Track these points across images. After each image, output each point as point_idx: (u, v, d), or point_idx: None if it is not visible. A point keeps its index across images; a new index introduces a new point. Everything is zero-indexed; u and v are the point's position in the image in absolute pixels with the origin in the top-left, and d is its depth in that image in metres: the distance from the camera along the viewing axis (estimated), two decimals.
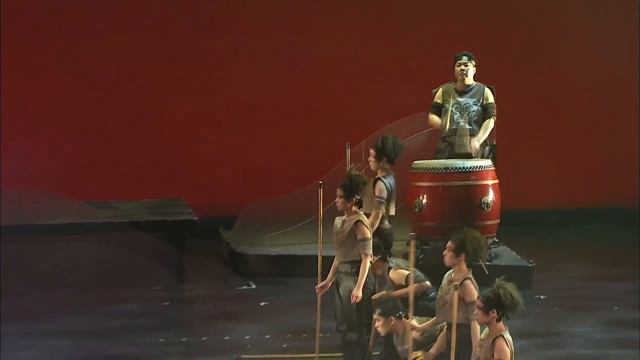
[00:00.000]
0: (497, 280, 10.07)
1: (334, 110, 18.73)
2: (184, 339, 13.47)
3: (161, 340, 13.41)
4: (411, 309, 11.47)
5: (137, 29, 19.01)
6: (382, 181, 13.27)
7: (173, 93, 18.84)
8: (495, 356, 9.76)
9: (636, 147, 19.14)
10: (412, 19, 19.18)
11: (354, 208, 12.01)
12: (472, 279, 11.09)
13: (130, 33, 19.00)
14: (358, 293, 11.80)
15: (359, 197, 12.15)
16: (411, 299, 11.62)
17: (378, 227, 13.44)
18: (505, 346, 9.79)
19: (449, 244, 11.25)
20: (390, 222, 13.47)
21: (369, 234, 12.03)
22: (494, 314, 9.77)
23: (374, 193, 13.26)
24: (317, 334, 12.38)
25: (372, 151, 13.40)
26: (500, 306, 9.81)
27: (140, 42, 18.98)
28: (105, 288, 15.29)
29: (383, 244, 13.16)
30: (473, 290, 10.81)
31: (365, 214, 12.39)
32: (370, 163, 13.37)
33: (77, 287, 15.21)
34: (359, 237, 12.00)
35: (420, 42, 18.88)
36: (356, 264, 11.95)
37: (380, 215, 13.09)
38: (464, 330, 10.68)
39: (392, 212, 13.40)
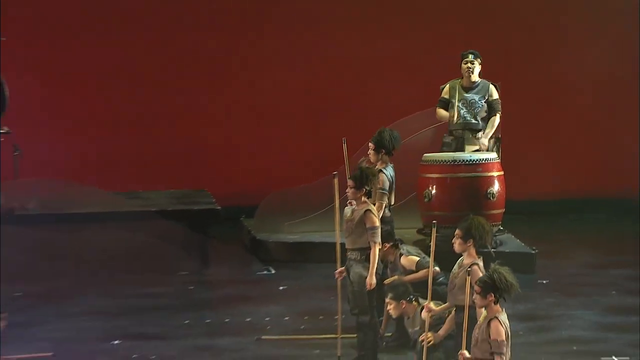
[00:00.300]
0: (492, 265, 10.25)
1: (348, 106, 18.48)
2: (207, 321, 13.61)
3: (186, 321, 13.56)
4: (429, 293, 11.38)
5: (159, 25, 18.69)
6: (384, 173, 13.19)
7: (198, 89, 18.62)
8: (490, 337, 9.90)
9: (636, 140, 18.88)
10: (416, 19, 18.87)
11: (363, 198, 12.09)
12: (480, 264, 11.23)
13: (153, 29, 18.70)
14: (372, 281, 11.88)
15: (368, 188, 12.18)
16: (430, 283, 11.53)
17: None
18: (500, 327, 9.91)
19: (457, 231, 11.41)
20: (390, 211, 13.41)
21: (377, 223, 12.12)
22: (491, 297, 9.90)
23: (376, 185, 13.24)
24: (339, 315, 12.30)
25: (370, 144, 13.33)
26: (496, 289, 9.94)
27: (164, 36, 18.69)
28: (135, 272, 15.29)
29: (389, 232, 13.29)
30: (480, 274, 10.94)
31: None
32: (369, 156, 13.31)
33: (109, 271, 15.25)
34: (368, 225, 12.05)
35: (424, 41, 18.55)
36: (365, 251, 12.02)
37: (384, 205, 13.06)
38: (472, 313, 10.64)
39: (392, 201, 13.41)
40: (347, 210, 12.26)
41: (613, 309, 14.22)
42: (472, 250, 11.37)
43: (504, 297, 10.02)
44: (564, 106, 19.10)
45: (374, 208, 12.24)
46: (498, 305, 10.06)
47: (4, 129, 16.27)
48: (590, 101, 19.12)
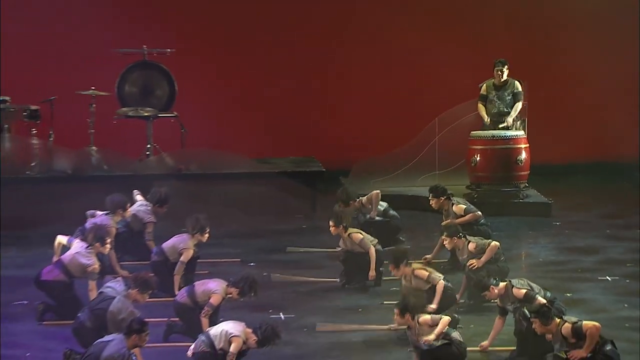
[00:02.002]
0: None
1: (422, 94, 18.08)
2: (315, 251, 13.57)
3: (302, 250, 13.67)
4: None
5: (287, 28, 18.43)
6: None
7: (311, 82, 18.41)
8: None
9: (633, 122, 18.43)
10: (469, 29, 18.35)
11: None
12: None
13: (282, 32, 18.41)
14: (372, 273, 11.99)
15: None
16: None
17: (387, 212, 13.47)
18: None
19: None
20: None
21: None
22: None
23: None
24: None
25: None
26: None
27: (293, 38, 18.41)
28: (266, 216, 15.28)
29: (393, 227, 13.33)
30: None
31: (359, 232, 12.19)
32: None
33: (248, 215, 15.20)
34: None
35: (474, 47, 17.95)
36: None
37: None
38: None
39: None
40: None
41: (613, 238, 14.30)
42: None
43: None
44: (574, 95, 18.66)
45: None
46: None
47: (174, 114, 16.57)
48: (593, 92, 18.55)
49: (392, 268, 10.83)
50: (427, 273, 10.75)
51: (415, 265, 10.91)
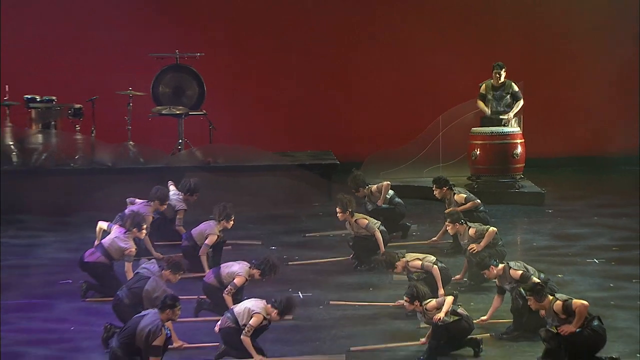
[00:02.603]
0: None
1: (427, 94, 17.79)
2: (331, 235, 13.53)
3: (317, 234, 13.65)
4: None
5: (303, 29, 18.13)
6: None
7: (327, 83, 18.14)
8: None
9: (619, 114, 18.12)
10: (478, 36, 18.05)
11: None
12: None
13: (300, 34, 18.15)
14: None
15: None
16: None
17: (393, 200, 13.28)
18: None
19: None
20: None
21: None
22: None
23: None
24: None
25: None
26: None
27: (309, 39, 18.13)
28: (286, 203, 15.31)
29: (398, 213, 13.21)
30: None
31: (365, 218, 12.14)
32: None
33: (270, 203, 15.21)
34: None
35: (476, 50, 17.73)
36: None
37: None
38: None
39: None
40: None
41: (598, 224, 14.21)
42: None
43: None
44: (566, 95, 18.35)
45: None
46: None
47: (203, 112, 16.56)
48: (584, 93, 18.30)
49: (391, 271, 10.82)
50: (420, 262, 10.75)
51: (408, 256, 10.84)
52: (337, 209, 12.18)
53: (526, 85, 16.15)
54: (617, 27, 18.31)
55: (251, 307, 9.41)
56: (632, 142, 18.15)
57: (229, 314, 9.49)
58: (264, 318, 9.42)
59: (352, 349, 9.63)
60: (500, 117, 15.66)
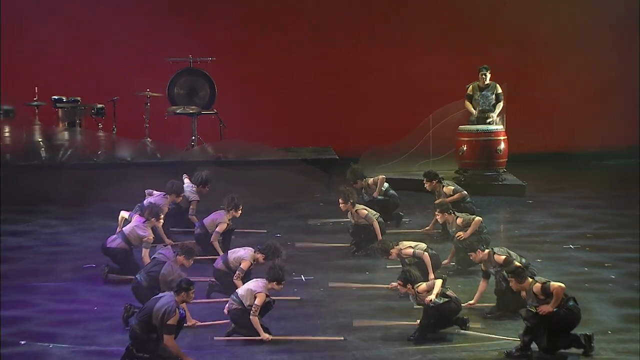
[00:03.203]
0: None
1: (419, 95, 17.57)
2: (331, 222, 13.40)
3: (319, 222, 13.46)
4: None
5: (309, 26, 18.02)
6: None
7: (328, 81, 17.97)
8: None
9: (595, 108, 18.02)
10: (466, 42, 17.89)
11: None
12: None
13: (307, 30, 18.03)
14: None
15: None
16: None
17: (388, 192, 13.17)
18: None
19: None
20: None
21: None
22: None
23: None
24: None
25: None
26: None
27: (316, 36, 18.02)
28: (290, 194, 15.23)
29: (392, 204, 13.08)
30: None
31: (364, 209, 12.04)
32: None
33: (275, 194, 15.10)
34: None
35: (463, 57, 17.51)
36: None
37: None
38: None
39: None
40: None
41: (574, 214, 14.20)
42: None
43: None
44: (546, 96, 18.20)
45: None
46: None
47: (214, 111, 16.55)
48: (562, 94, 18.15)
49: (386, 257, 10.81)
50: (411, 250, 10.74)
51: (401, 244, 10.81)
52: (339, 200, 12.13)
53: (509, 86, 16.09)
54: (590, 35, 18.24)
55: (252, 288, 9.43)
56: (604, 140, 18.02)
57: (234, 297, 9.50)
58: (266, 295, 9.39)
59: (355, 323, 9.64)
60: (486, 115, 15.62)
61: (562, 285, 9.05)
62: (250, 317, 9.26)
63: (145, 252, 10.95)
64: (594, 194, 15.55)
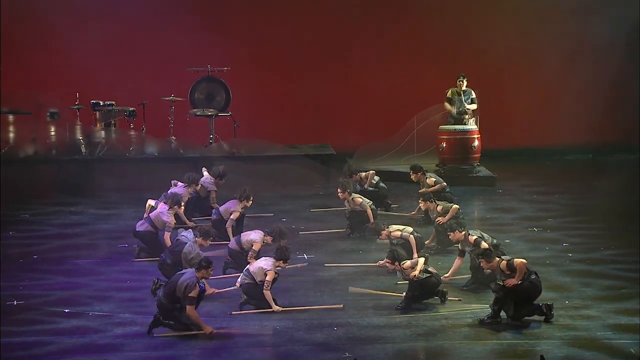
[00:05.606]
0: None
1: (405, 99, 17.14)
2: (333, 209, 13.23)
3: (319, 210, 13.39)
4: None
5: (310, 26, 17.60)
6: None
7: (328, 80, 17.59)
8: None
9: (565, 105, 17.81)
10: (446, 53, 17.49)
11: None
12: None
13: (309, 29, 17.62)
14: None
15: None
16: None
17: (378, 184, 13.00)
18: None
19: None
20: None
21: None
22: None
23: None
24: None
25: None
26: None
27: (318, 35, 17.60)
28: (295, 185, 15.10)
29: (382, 195, 12.85)
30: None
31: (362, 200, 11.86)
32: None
33: (281, 185, 14.89)
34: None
35: (442, 63, 17.24)
36: None
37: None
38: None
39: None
40: None
41: (536, 201, 14.04)
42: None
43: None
44: (515, 99, 17.81)
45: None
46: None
47: (229, 113, 16.40)
48: (529, 97, 17.84)
49: (377, 237, 10.84)
50: (399, 233, 10.73)
51: (390, 228, 10.82)
52: (338, 189, 12.08)
53: (482, 92, 16.01)
54: (547, 48, 17.98)
55: (263, 266, 9.40)
56: (563, 138, 17.76)
57: (246, 273, 9.48)
58: (275, 273, 9.37)
59: (350, 289, 9.66)
60: (462, 117, 15.55)
61: (524, 261, 9.00)
62: (264, 291, 9.26)
63: (167, 235, 10.94)
64: (552, 183, 15.46)
